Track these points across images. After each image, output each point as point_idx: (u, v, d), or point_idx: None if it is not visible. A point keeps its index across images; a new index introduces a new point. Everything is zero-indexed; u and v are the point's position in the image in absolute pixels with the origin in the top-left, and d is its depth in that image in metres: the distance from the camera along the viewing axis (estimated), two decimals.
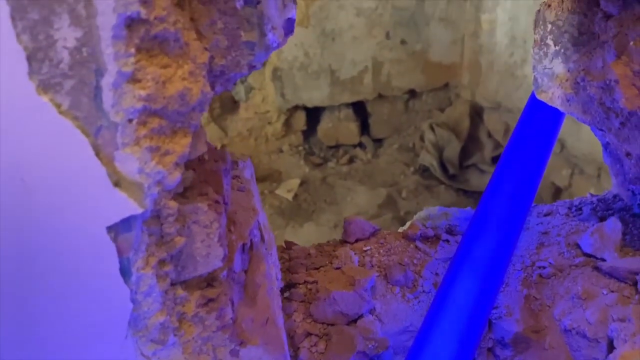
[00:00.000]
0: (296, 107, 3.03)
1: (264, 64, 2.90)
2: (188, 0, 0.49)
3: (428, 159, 2.75)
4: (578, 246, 0.86)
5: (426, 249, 0.87)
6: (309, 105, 3.01)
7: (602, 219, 0.91)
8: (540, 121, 0.95)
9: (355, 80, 2.97)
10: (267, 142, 3.07)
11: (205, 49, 0.50)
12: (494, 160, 2.77)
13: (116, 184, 0.48)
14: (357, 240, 0.91)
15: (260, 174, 2.97)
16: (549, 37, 0.84)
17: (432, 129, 2.84)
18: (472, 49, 2.92)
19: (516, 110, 2.62)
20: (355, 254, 0.87)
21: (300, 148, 3.09)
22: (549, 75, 0.86)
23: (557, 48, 0.83)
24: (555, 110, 0.92)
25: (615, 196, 0.96)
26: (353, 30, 2.86)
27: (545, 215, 0.94)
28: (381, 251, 0.88)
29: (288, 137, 3.09)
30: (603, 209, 0.93)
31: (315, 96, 2.98)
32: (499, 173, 0.91)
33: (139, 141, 0.47)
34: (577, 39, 0.78)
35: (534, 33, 0.88)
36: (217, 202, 0.59)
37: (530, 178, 0.89)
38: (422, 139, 2.90)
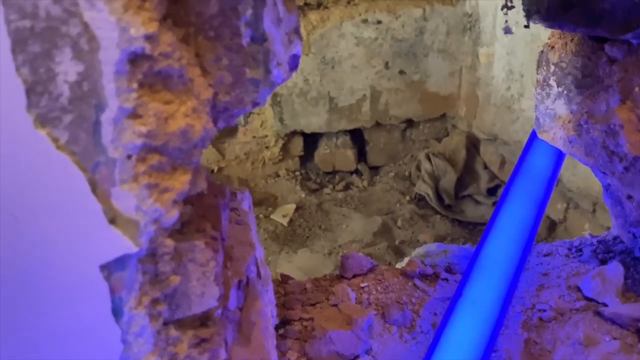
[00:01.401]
0: (294, 133, 3.02)
1: None
2: (194, 35, 0.48)
3: (424, 188, 2.74)
4: (579, 289, 0.84)
5: (425, 288, 0.85)
6: (307, 131, 3.01)
7: (602, 261, 0.89)
8: (541, 160, 0.94)
9: (353, 108, 2.97)
10: (264, 166, 3.06)
11: (210, 85, 0.49)
12: (490, 191, 2.76)
13: (112, 221, 0.46)
14: (354, 276, 0.89)
15: (256, 197, 2.95)
16: (551, 78, 0.83)
17: (428, 158, 2.83)
18: (469, 81, 2.93)
19: (512, 143, 2.62)
20: (352, 290, 0.85)
21: (297, 173, 3.07)
22: (551, 116, 0.85)
23: (560, 89, 0.82)
24: (557, 149, 0.91)
25: (615, 238, 0.95)
26: (353, 59, 2.88)
27: (545, 255, 0.92)
28: (379, 288, 0.85)
29: (285, 162, 3.08)
30: (603, 250, 0.92)
31: (313, 122, 2.98)
32: (499, 211, 0.90)
33: (137, 178, 0.46)
34: (581, 82, 0.78)
35: (537, 73, 0.87)
36: (214, 238, 0.57)
37: (530, 217, 0.87)
38: (418, 168, 2.90)
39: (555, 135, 0.85)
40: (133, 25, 0.41)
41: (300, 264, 2.33)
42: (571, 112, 0.81)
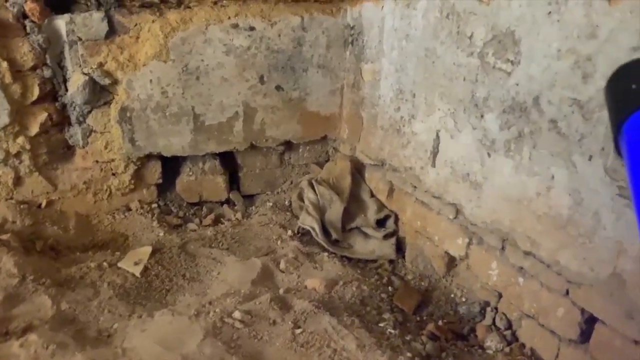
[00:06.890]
0: (149, 156, 2.26)
1: (109, 103, 2.09)
2: None
3: (309, 221, 2.15)
4: None
5: None
6: (166, 154, 2.26)
7: None
8: None
9: (223, 127, 2.30)
10: (110, 198, 2.23)
11: None
12: (379, 223, 2.26)
13: None
14: None
15: (100, 239, 2.12)
16: None
17: (312, 187, 2.26)
18: (352, 100, 2.43)
19: (403, 170, 2.16)
20: None
21: (154, 206, 2.30)
22: None
23: None
24: None
25: None
26: (222, 70, 2.21)
27: None
28: None
29: (138, 192, 2.29)
30: None
31: (174, 143, 2.24)
32: None
33: None
34: None
35: None
36: None
37: None
38: (300, 197, 2.31)
39: None
40: None
41: (158, 335, 1.58)
42: None
